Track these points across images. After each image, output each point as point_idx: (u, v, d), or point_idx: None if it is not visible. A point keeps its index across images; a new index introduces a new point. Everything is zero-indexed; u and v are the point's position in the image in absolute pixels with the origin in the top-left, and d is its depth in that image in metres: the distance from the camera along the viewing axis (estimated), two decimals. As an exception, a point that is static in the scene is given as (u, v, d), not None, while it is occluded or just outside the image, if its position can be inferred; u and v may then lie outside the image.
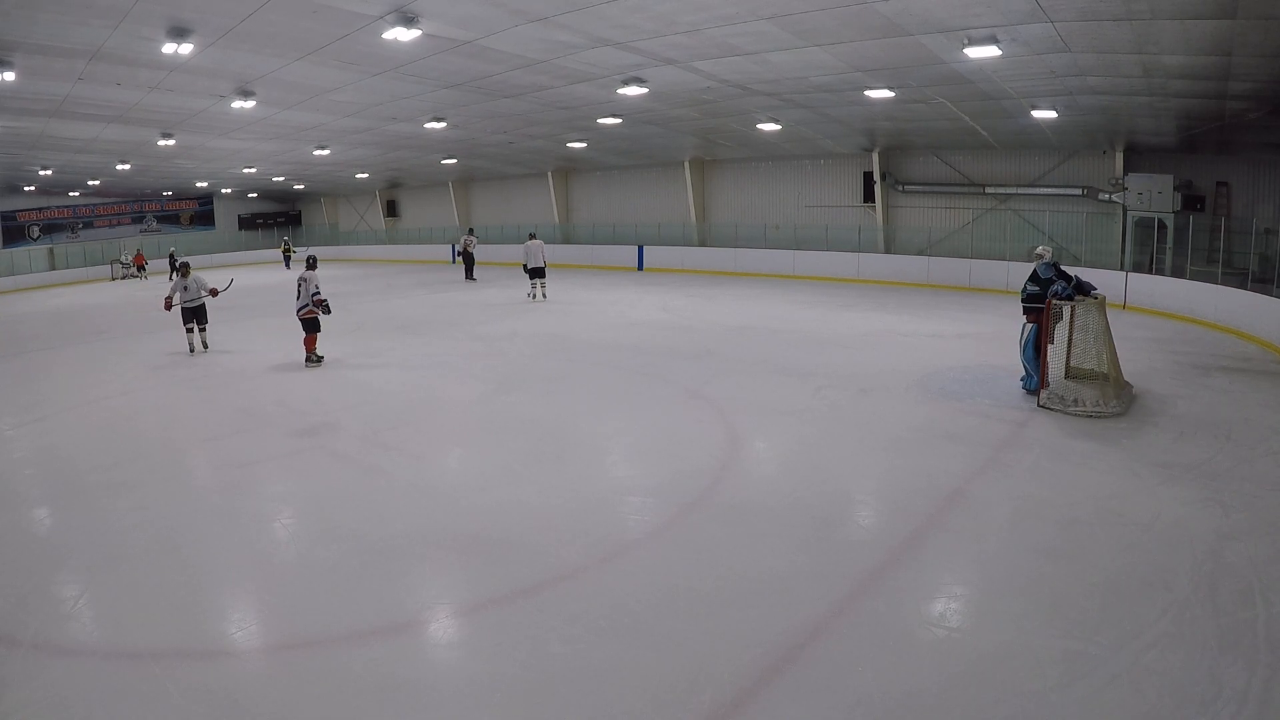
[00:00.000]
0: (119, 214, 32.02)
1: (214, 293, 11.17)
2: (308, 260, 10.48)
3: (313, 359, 10.14)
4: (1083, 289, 7.37)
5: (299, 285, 10.03)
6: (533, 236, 16.57)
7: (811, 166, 20.17)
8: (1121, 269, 14.20)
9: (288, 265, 29.84)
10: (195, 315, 11.17)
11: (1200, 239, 13.06)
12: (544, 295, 16.20)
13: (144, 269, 28.35)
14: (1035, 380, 7.37)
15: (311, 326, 10.06)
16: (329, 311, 10.15)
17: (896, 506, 5.12)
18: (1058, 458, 5.83)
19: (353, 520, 5.03)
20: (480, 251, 28.07)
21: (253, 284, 23.30)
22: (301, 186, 32.50)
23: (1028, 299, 7.54)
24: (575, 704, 3.14)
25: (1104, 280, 11.66)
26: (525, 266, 16.22)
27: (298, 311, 10.07)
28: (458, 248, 21.62)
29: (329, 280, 23.14)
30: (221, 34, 9.10)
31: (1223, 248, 12.32)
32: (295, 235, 36.58)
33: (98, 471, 6.17)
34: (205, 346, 11.40)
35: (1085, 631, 3.50)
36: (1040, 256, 7.57)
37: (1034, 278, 7.53)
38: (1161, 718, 2.95)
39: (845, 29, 8.88)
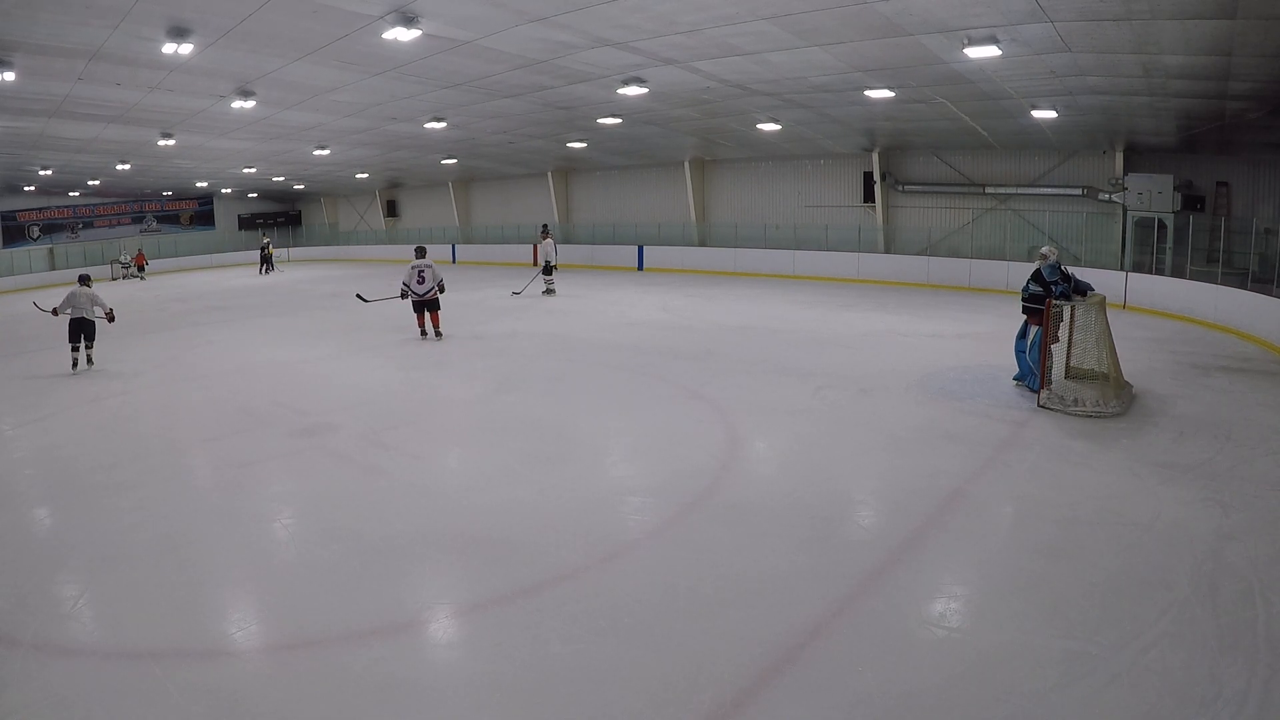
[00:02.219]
0: (119, 214, 31.99)
1: (110, 316, 10.42)
2: (417, 250, 12.03)
3: (440, 333, 11.81)
4: (1079, 289, 7.37)
5: (419, 273, 11.51)
6: (547, 234, 17.33)
7: (811, 166, 20.16)
8: (1121, 269, 14.20)
9: (270, 267, 28.06)
10: (83, 330, 10.17)
11: (1200, 239, 13.07)
12: (551, 290, 16.79)
13: (144, 269, 28.33)
14: (1038, 380, 7.35)
15: (434, 306, 11.72)
16: (443, 290, 11.89)
17: (896, 506, 5.12)
18: (1058, 458, 5.83)
19: (353, 520, 5.03)
20: (478, 251, 28.27)
21: (251, 285, 23.33)
22: (301, 186, 32.47)
23: (1029, 299, 7.53)
24: (575, 704, 3.14)
25: (1104, 280, 11.68)
26: (547, 263, 16.95)
27: (423, 295, 11.57)
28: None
29: (328, 280, 23.30)
30: (221, 34, 9.09)
31: (1223, 248, 12.33)
32: (295, 235, 36.55)
33: (98, 471, 6.16)
34: (90, 363, 10.32)
35: (1085, 631, 3.50)
36: (1045, 257, 7.52)
37: (1037, 278, 7.51)
38: (1161, 718, 2.95)
39: (845, 29, 8.88)
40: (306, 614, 3.89)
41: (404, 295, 11.76)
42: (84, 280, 10.63)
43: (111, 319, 10.54)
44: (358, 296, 14.37)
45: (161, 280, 26.77)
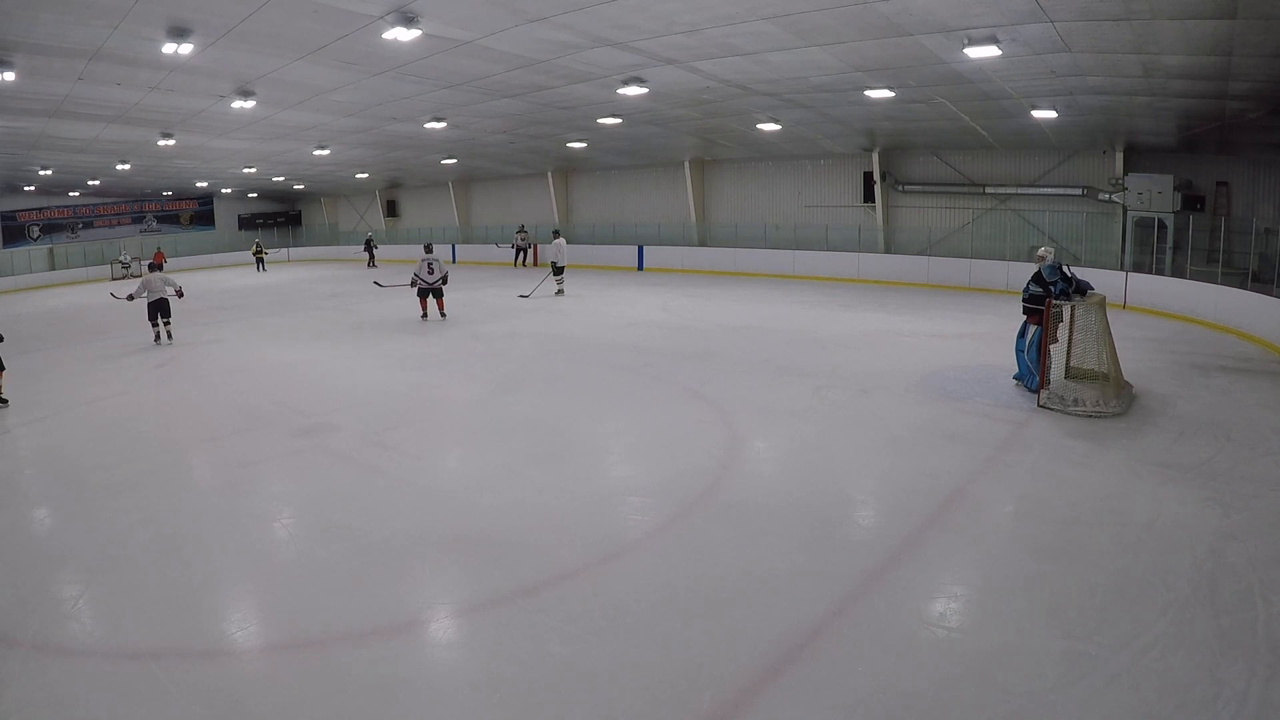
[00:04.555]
0: (119, 214, 31.99)
1: (179, 292, 12.27)
2: (426, 246, 13.88)
3: (444, 314, 13.72)
4: (1080, 288, 7.37)
5: (429, 265, 13.38)
6: (557, 235, 17.45)
7: (811, 166, 20.16)
8: (1121, 269, 14.20)
9: (261, 268, 28.91)
10: (159, 309, 12.11)
11: (1200, 239, 13.06)
12: (562, 291, 16.92)
13: (162, 268, 28.12)
14: (1037, 380, 7.36)
15: (439, 293, 13.60)
16: (446, 282, 13.68)
17: (897, 506, 5.12)
18: (1058, 458, 5.83)
19: (353, 520, 5.03)
20: (477, 251, 28.31)
21: (251, 285, 23.33)
22: (301, 186, 32.46)
23: (1029, 299, 7.54)
24: (575, 704, 3.14)
25: (1104, 280, 11.68)
26: (554, 264, 17.00)
27: (431, 283, 13.43)
28: (517, 242, 25.47)
29: (328, 280, 23.29)
30: (221, 34, 9.09)
31: (1223, 248, 12.32)
32: (295, 235, 36.57)
33: (98, 471, 6.17)
34: (170, 338, 12.25)
35: (1085, 631, 3.50)
36: (1043, 258, 7.57)
37: (1037, 278, 7.53)
38: (1161, 718, 2.95)
39: (845, 29, 8.88)
40: (306, 614, 3.89)
41: (413, 284, 13.60)
42: (153, 267, 12.79)
43: (180, 295, 12.33)
44: (375, 283, 16.36)
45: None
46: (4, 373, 8.30)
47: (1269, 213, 13.12)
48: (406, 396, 8.43)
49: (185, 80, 11.46)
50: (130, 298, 12.12)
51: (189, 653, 3.59)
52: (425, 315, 13.78)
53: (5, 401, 8.38)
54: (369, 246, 28.97)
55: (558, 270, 16.88)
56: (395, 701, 3.18)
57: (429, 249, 13.74)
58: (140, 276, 13.09)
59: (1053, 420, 6.76)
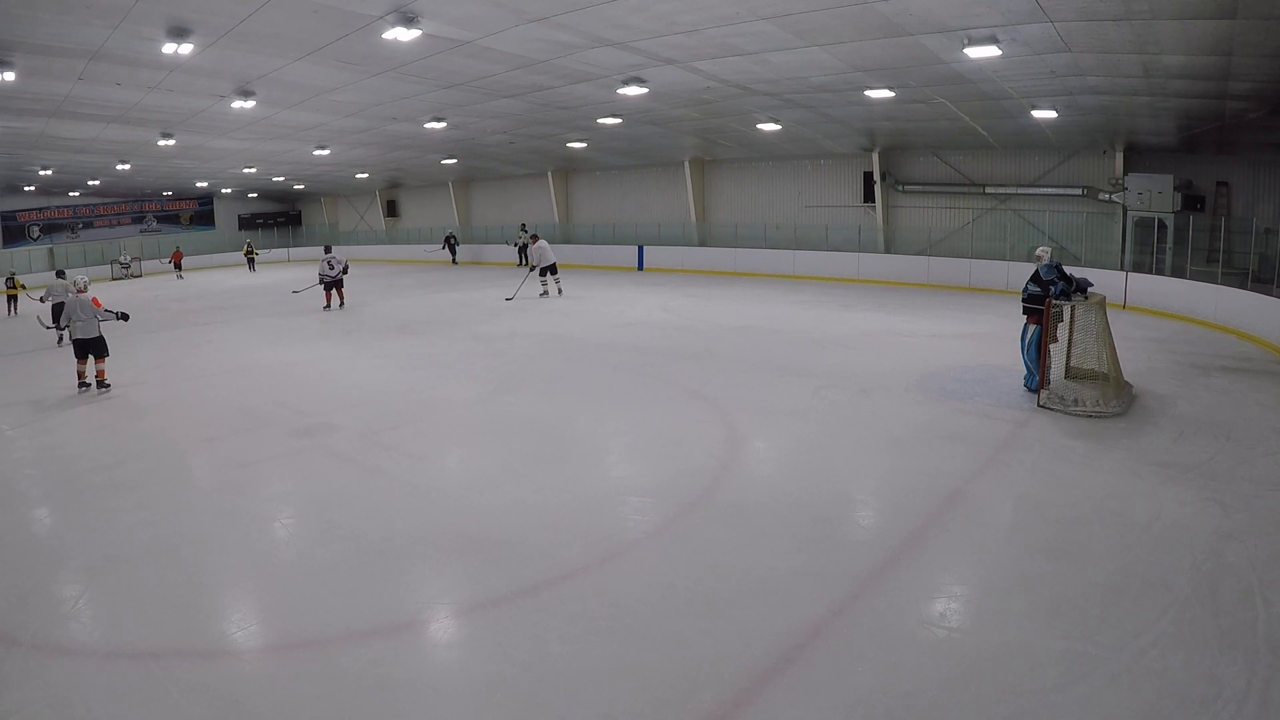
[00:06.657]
0: (119, 214, 31.99)
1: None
2: (326, 248, 16.73)
3: (343, 304, 16.15)
4: (1079, 287, 7.38)
5: (329, 263, 15.93)
6: (536, 238, 17.16)
7: (811, 166, 20.15)
8: (1121, 269, 14.19)
9: (252, 268, 29.45)
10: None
11: (1200, 239, 13.06)
12: (559, 290, 16.69)
13: (180, 266, 28.20)
14: (1037, 379, 7.37)
15: (340, 285, 16.14)
16: (346, 272, 16.44)
17: (897, 506, 5.12)
18: (1058, 458, 5.83)
19: (353, 520, 5.03)
20: (476, 251, 28.28)
21: (250, 285, 23.32)
22: (301, 186, 32.45)
23: (1028, 299, 7.55)
24: (575, 704, 3.14)
25: (1104, 280, 11.68)
26: (537, 266, 16.72)
27: (334, 276, 15.92)
28: (517, 243, 25.42)
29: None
30: (221, 34, 9.09)
31: (1223, 248, 12.32)
32: (294, 235, 36.59)
33: (98, 471, 6.17)
34: (62, 343, 11.83)
35: (1085, 631, 3.50)
36: (1040, 258, 7.58)
37: (1035, 278, 7.54)
38: (1161, 718, 2.95)
39: (845, 29, 8.88)
40: (306, 614, 3.89)
41: (321, 280, 16.04)
42: (60, 274, 13.62)
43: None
44: (294, 292, 18.56)
45: (161, 280, 26.76)
46: (107, 358, 9.02)
47: (1269, 213, 13.12)
48: (406, 396, 8.43)
49: (185, 80, 11.46)
50: (40, 317, 12.36)
51: (189, 653, 3.59)
52: (329, 306, 16.02)
53: (108, 386, 8.99)
54: (450, 244, 27.85)
55: (544, 271, 16.43)
56: (395, 701, 3.18)
57: (328, 249, 16.51)
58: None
59: (1053, 420, 6.75)
